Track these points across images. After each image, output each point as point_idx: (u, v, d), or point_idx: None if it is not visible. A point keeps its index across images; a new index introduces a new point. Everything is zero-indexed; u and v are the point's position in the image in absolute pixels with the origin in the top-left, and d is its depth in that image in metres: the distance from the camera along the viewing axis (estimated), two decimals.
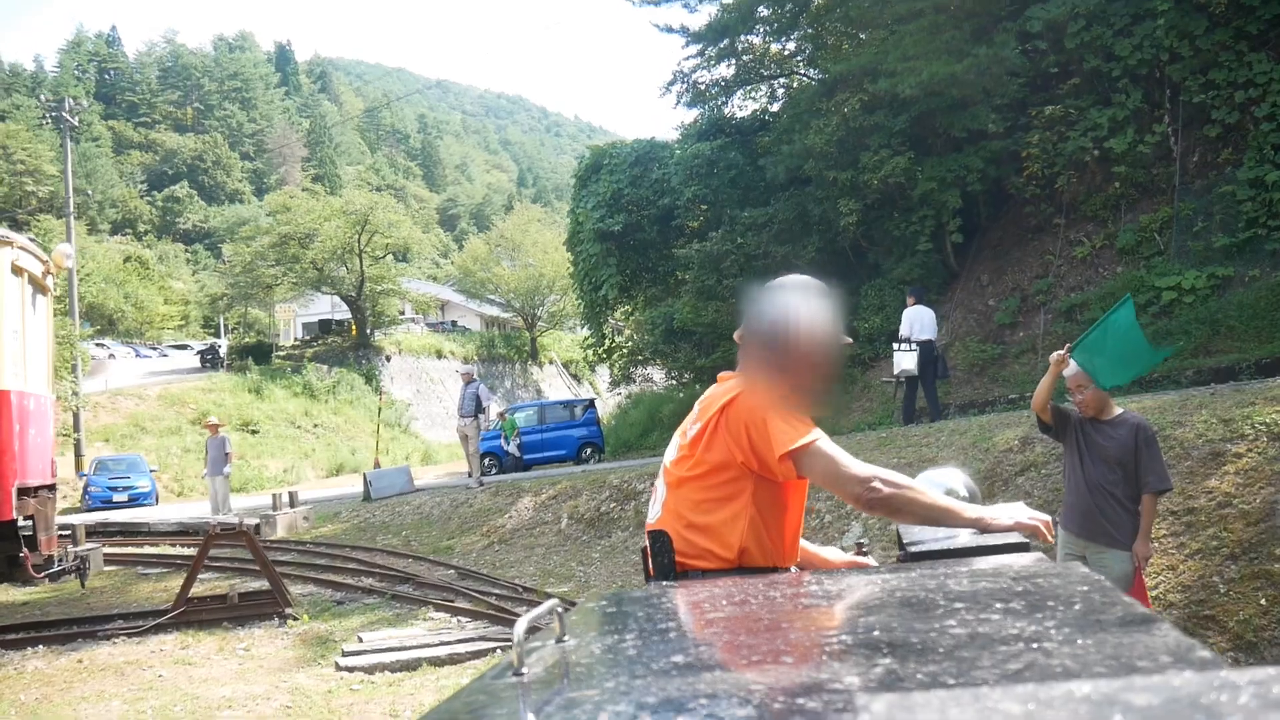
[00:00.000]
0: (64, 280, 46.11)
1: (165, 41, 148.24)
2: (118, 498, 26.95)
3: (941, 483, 2.59)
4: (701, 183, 22.50)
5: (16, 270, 8.56)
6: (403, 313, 60.64)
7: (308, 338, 61.45)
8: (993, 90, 17.03)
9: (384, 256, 53.04)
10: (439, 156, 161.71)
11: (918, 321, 13.97)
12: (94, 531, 18.98)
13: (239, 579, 11.92)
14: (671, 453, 2.59)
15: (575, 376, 62.68)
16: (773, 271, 4.02)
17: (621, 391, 31.77)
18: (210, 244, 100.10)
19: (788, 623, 1.67)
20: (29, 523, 8.73)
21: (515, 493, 15.03)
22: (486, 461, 25.59)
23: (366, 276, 50.83)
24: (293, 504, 17.48)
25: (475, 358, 57.23)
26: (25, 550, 8.55)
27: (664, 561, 2.44)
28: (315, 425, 44.41)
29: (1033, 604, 1.49)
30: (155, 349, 65.12)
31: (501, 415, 25.75)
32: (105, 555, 14.52)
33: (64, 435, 34.05)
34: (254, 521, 17.11)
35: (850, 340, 2.72)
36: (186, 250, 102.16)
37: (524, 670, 1.30)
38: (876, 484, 2.33)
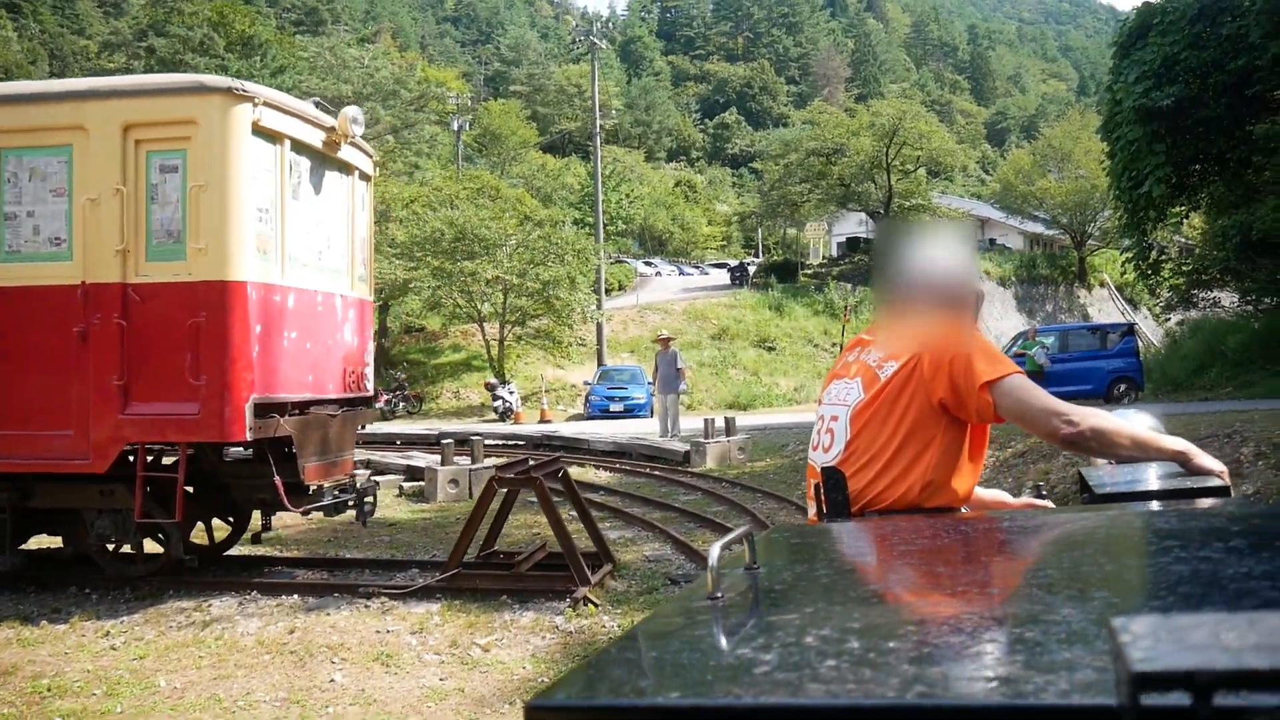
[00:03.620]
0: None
1: None
2: (614, 407, 27.10)
3: (1133, 422, 2.37)
4: None
5: (265, 133, 6.82)
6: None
7: (837, 255, 60.47)
8: None
9: (914, 170, 50.26)
10: (989, 68, 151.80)
11: None
12: (539, 445, 18.37)
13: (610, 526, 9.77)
14: (854, 391, 2.54)
15: (1131, 301, 54.94)
16: None
17: (1171, 317, 25.89)
18: (754, 168, 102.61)
19: (986, 558, 1.63)
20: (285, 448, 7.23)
21: None
22: None
23: (895, 192, 48.41)
24: (729, 431, 15.23)
25: (1012, 278, 52.38)
26: (277, 477, 7.01)
27: (838, 499, 2.43)
28: (833, 344, 43.54)
29: (1256, 544, 1.37)
30: (698, 267, 67.94)
31: (1029, 335, 21.39)
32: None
33: (580, 345, 35.78)
34: (683, 449, 15.46)
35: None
36: (733, 174, 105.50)
37: (719, 594, 1.27)
38: (1075, 417, 2.29)
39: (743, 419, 20.55)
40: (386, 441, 19.04)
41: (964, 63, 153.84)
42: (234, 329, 6.52)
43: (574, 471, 14.94)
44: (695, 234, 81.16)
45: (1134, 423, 2.40)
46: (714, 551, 1.33)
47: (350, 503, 7.63)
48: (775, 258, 60.12)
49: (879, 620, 1.14)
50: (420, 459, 14.36)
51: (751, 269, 54.81)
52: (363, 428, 8.54)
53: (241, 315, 6.54)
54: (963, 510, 2.46)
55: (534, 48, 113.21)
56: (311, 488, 7.26)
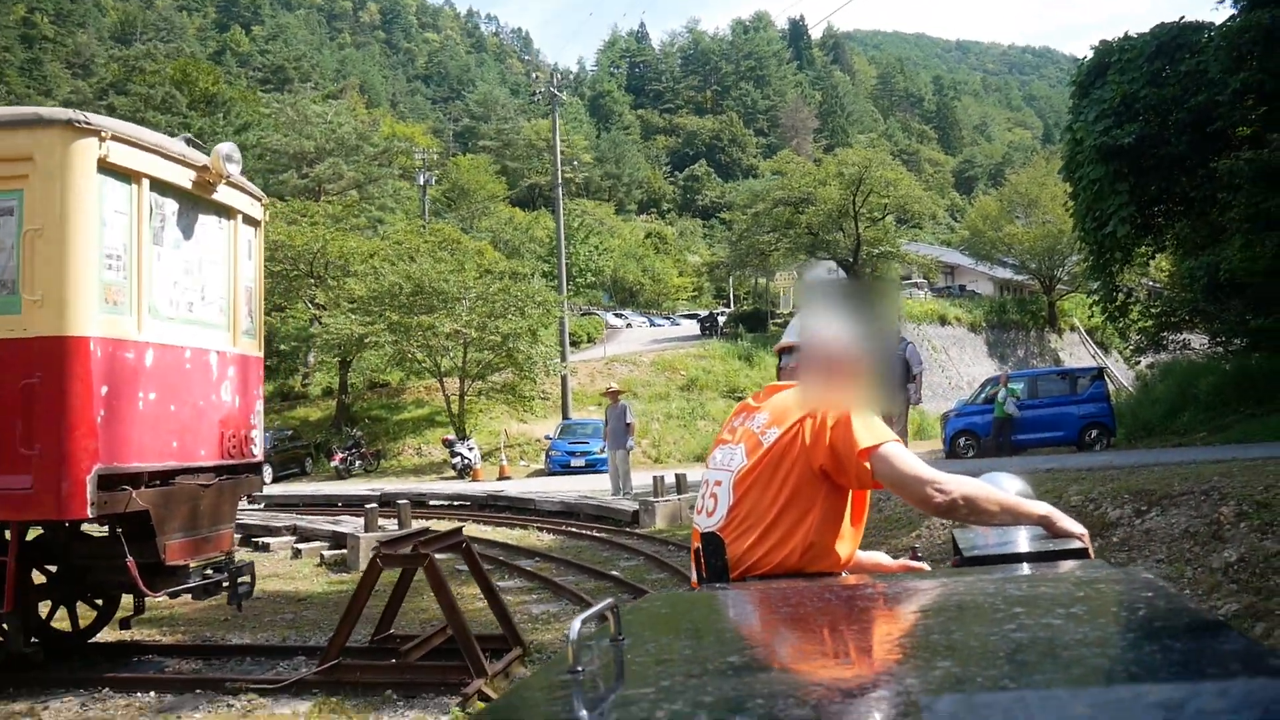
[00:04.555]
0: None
1: (687, 31, 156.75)
2: (575, 462, 26.25)
3: (1001, 485, 2.53)
4: (1256, 67, 16.14)
5: (117, 171, 5.96)
6: (908, 277, 57.84)
7: None
8: None
9: (882, 218, 50.14)
10: (955, 118, 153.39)
11: None
12: (485, 505, 17.50)
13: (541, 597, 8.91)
14: (737, 457, 2.57)
15: (1102, 344, 54.78)
16: None
17: (1142, 360, 25.37)
18: (723, 219, 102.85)
19: (845, 625, 1.67)
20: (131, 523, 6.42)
21: None
22: (963, 441, 21.06)
23: (863, 240, 48.19)
24: (680, 489, 14.43)
25: (983, 324, 52.37)
26: (130, 557, 6.16)
27: (717, 564, 2.45)
28: None
29: (1095, 609, 1.48)
30: (669, 318, 67.94)
31: (1002, 380, 20.79)
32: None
33: (544, 399, 35.04)
34: (633, 508, 14.66)
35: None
36: (704, 225, 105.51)
37: (580, 668, 1.27)
38: (947, 485, 2.35)
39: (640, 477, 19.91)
40: (327, 503, 18.14)
41: (930, 113, 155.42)
42: (73, 390, 5.70)
43: (514, 535, 14.16)
44: (666, 285, 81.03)
45: (1004, 485, 2.50)
46: (575, 625, 1.31)
47: (223, 583, 6.76)
48: (745, 307, 59.82)
49: (730, 693, 1.16)
50: (350, 524, 13.47)
51: (721, 319, 54.49)
52: (248, 498, 7.70)
53: (83, 375, 5.73)
54: (843, 574, 2.50)
55: (503, 103, 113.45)
56: (178, 567, 6.41)
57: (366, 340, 31.08)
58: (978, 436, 20.43)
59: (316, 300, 35.23)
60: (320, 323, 32.37)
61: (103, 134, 5.86)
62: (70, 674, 6.66)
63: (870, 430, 2.41)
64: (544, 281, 42.36)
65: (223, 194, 7.04)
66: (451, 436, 30.06)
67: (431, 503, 18.50)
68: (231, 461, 7.07)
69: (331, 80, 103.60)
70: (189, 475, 6.58)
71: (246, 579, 6.97)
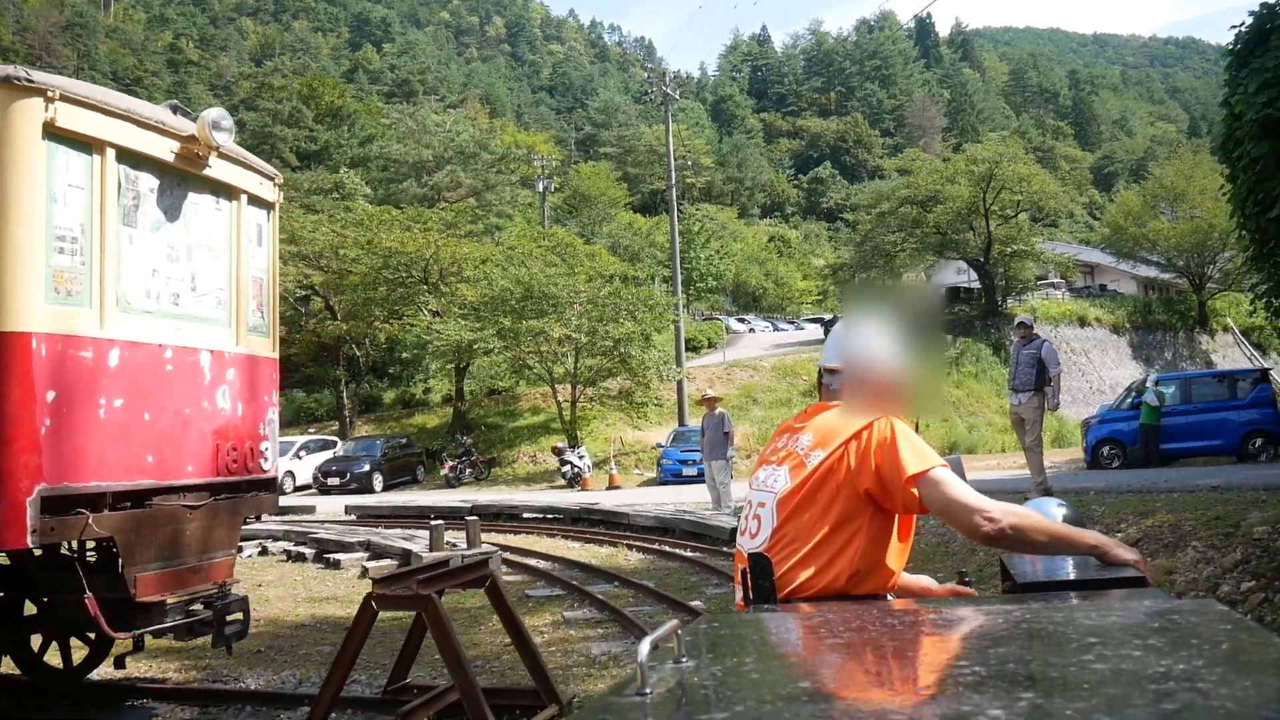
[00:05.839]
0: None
1: (809, 32, 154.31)
2: (687, 471, 25.00)
3: (1049, 512, 2.48)
4: None
5: (70, 138, 5.03)
6: (1043, 277, 55.26)
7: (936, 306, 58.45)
8: None
9: (1015, 215, 47.66)
10: (1093, 113, 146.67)
11: None
12: (578, 519, 16.45)
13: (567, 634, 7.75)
14: (781, 479, 2.54)
15: (1259, 346, 50.94)
16: None
17: None
18: (847, 219, 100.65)
19: (913, 652, 1.65)
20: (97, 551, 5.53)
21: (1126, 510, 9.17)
22: (1107, 450, 19.05)
23: (994, 238, 45.89)
24: None
25: (1126, 325, 49.46)
26: (89, 593, 5.23)
27: (765, 585, 2.42)
28: None
29: (1175, 641, 1.42)
30: (793, 323, 66.92)
31: (1152, 385, 18.83)
32: (506, 561, 11.40)
33: (657, 405, 34.08)
34: (731, 524, 13.38)
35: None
36: (828, 228, 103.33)
37: (648, 690, 1.27)
38: (996, 513, 2.30)
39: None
40: (420, 515, 17.38)
41: (1066, 109, 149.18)
42: (9, 396, 4.78)
43: (601, 554, 13.05)
44: (789, 289, 79.63)
45: (1052, 513, 2.47)
46: (643, 647, 1.31)
47: (205, 621, 5.78)
48: None
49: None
50: (423, 540, 12.54)
51: None
52: (255, 518, 6.74)
53: (21, 378, 4.80)
54: (889, 597, 2.49)
55: (624, 110, 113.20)
56: (152, 603, 5.47)
57: (476, 346, 30.65)
58: (1123, 445, 18.48)
59: (430, 307, 35.03)
60: (433, 330, 32.07)
61: (49, 93, 4.94)
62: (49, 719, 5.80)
63: (917, 455, 2.38)
64: (664, 286, 41.47)
65: (218, 169, 6.09)
66: (561, 444, 29.34)
67: (525, 515, 17.61)
68: (231, 478, 6.13)
69: (457, 93, 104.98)
70: (171, 495, 5.66)
71: (238, 617, 6.00)
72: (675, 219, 36.58)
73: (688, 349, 39.60)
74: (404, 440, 33.28)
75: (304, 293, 38.06)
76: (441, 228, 36.71)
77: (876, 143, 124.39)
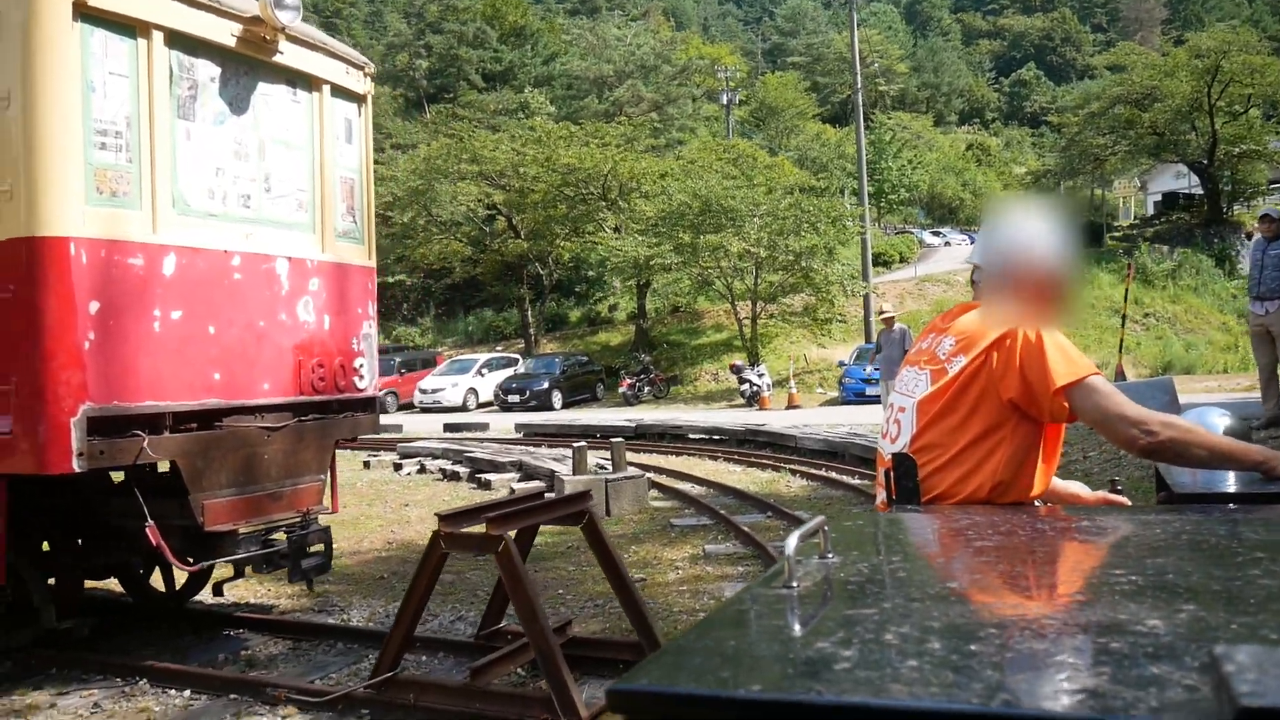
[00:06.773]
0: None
1: None
2: (870, 391, 23.80)
3: (1211, 423, 2.33)
4: None
5: (109, 19, 4.45)
6: (1277, 181, 50.55)
7: (1152, 214, 54.44)
8: None
9: (1244, 112, 43.23)
10: None
11: None
12: (744, 441, 15.67)
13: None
14: (922, 384, 2.44)
15: None
16: None
17: None
18: (1054, 122, 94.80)
19: (1065, 557, 1.60)
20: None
21: None
22: None
23: (1219, 138, 41.87)
24: None
25: None
26: (149, 520, 4.81)
27: (909, 485, 2.36)
28: (1145, 315, 38.81)
29: None
30: None
31: None
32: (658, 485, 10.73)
33: (841, 322, 32.88)
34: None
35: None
36: (1033, 133, 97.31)
37: (794, 583, 1.26)
38: (1154, 425, 2.18)
39: None
40: (584, 434, 17.00)
41: None
42: (47, 307, 4.33)
43: (763, 478, 12.24)
44: (989, 199, 75.48)
45: (1214, 424, 2.34)
46: (791, 541, 1.30)
47: (282, 553, 5.34)
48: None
49: (959, 620, 1.12)
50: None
51: None
52: (350, 439, 6.25)
53: (59, 288, 4.34)
54: (1037, 504, 2.39)
55: (813, 16, 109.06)
56: (223, 533, 5.05)
57: (654, 263, 30.08)
58: None
59: (609, 224, 34.63)
60: (612, 246, 31.68)
61: None
62: (116, 658, 5.51)
63: (1068, 362, 2.26)
64: (852, 199, 39.79)
65: (293, 56, 5.46)
66: (740, 362, 28.60)
67: (691, 436, 16.95)
68: (320, 397, 5.63)
69: (641, 7, 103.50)
70: (245, 416, 5.19)
71: (319, 548, 5.54)
72: (861, 126, 34.74)
73: (877, 264, 38.00)
74: (584, 358, 33.25)
75: (488, 212, 38.28)
76: (620, 142, 36.06)
77: (1086, 40, 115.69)
